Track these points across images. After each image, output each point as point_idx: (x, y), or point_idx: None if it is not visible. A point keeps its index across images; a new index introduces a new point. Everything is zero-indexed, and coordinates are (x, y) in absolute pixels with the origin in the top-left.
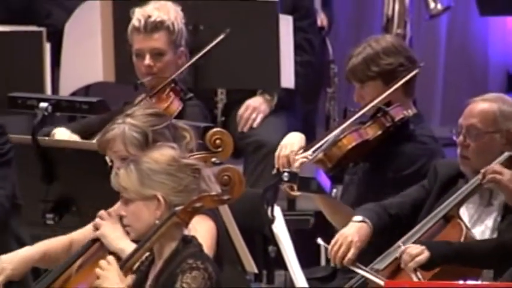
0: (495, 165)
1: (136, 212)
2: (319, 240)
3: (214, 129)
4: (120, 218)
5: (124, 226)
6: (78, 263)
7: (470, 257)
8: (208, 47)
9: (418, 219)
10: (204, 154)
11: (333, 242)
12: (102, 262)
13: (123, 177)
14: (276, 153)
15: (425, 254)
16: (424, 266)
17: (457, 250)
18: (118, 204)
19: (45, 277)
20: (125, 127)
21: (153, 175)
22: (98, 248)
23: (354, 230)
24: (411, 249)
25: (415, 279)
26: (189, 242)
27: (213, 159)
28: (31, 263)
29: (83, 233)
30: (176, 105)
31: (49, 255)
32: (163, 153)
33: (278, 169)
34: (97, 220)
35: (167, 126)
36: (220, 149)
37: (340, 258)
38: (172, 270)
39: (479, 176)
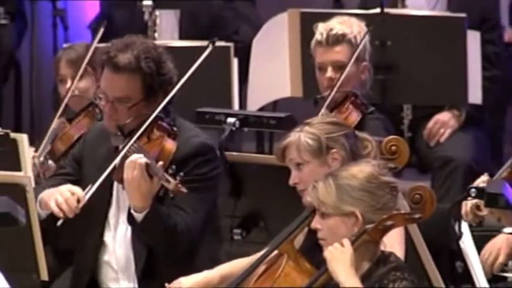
0: None
1: (333, 227)
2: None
3: (390, 137)
4: (315, 231)
5: (319, 239)
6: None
7: None
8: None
9: None
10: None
11: (482, 252)
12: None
13: (321, 192)
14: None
15: None
16: None
17: None
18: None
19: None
20: (300, 134)
21: (352, 191)
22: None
23: (501, 239)
24: None
25: None
26: (388, 257)
27: (389, 165)
28: (210, 286)
29: None
30: (354, 117)
31: (229, 279)
32: (362, 170)
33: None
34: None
35: (345, 134)
36: (395, 156)
37: (490, 266)
38: (372, 284)
39: None
